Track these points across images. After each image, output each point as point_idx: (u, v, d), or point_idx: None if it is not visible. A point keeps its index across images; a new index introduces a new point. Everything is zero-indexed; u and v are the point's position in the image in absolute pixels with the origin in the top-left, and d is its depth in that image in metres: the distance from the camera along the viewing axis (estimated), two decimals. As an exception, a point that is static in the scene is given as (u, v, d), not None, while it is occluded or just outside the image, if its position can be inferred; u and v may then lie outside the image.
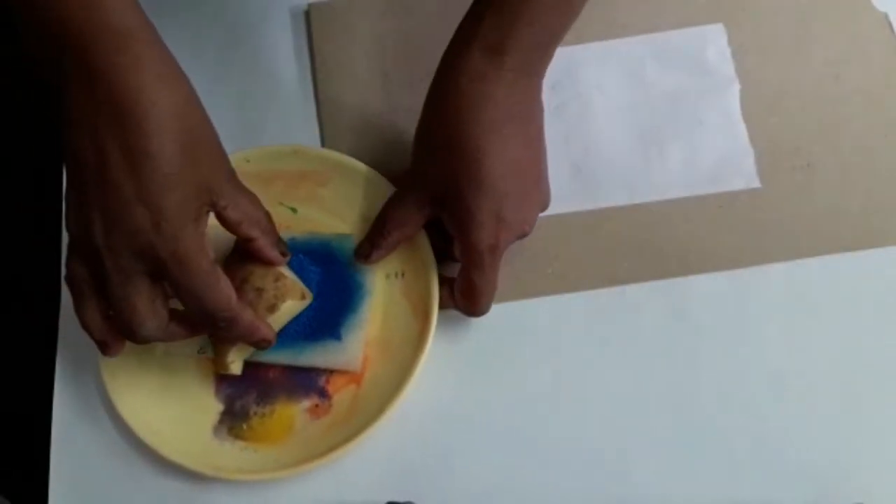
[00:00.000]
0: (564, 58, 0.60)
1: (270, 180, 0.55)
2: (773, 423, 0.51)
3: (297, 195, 0.56)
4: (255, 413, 0.52)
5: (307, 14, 0.63)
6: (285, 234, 0.53)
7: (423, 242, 0.53)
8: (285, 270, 0.50)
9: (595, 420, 0.51)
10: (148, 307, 0.43)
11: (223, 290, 0.44)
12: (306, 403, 0.52)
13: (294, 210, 0.56)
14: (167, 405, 0.52)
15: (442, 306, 0.52)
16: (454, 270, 0.52)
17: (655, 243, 0.55)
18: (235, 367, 0.50)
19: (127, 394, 0.51)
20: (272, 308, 0.49)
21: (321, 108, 0.60)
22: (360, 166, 0.56)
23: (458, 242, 0.50)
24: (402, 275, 0.54)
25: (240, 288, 0.48)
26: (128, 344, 0.48)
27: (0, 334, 0.70)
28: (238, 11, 0.64)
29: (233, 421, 0.52)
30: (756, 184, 0.56)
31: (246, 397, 0.52)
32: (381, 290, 0.54)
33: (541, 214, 0.54)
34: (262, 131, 0.59)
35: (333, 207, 0.56)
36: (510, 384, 0.52)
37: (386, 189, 0.55)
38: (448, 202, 0.50)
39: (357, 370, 0.52)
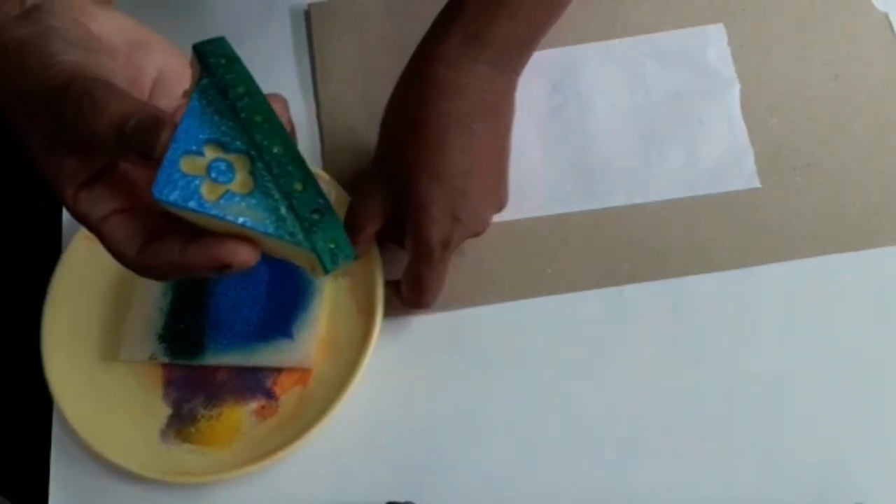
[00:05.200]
0: (564, 58, 0.60)
1: None
2: (774, 422, 0.51)
3: None
4: (203, 416, 0.52)
5: (307, 14, 0.63)
6: None
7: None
8: None
9: (595, 420, 0.51)
10: None
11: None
12: (253, 405, 0.52)
13: None
14: (114, 411, 0.52)
15: (388, 305, 0.52)
16: (398, 273, 0.52)
17: (655, 243, 0.55)
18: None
19: (74, 401, 0.51)
20: None
21: (321, 108, 0.60)
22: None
23: (410, 235, 0.50)
24: (349, 274, 0.54)
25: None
26: (72, 353, 0.51)
27: (0, 334, 0.70)
28: (238, 11, 0.64)
29: (181, 424, 0.52)
30: (756, 184, 0.56)
31: (194, 401, 0.52)
32: (329, 289, 0.54)
33: (541, 214, 0.55)
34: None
35: None
36: (510, 384, 0.52)
37: (331, 191, 0.54)
38: (406, 192, 0.49)
39: (310, 367, 0.52)
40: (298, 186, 0.34)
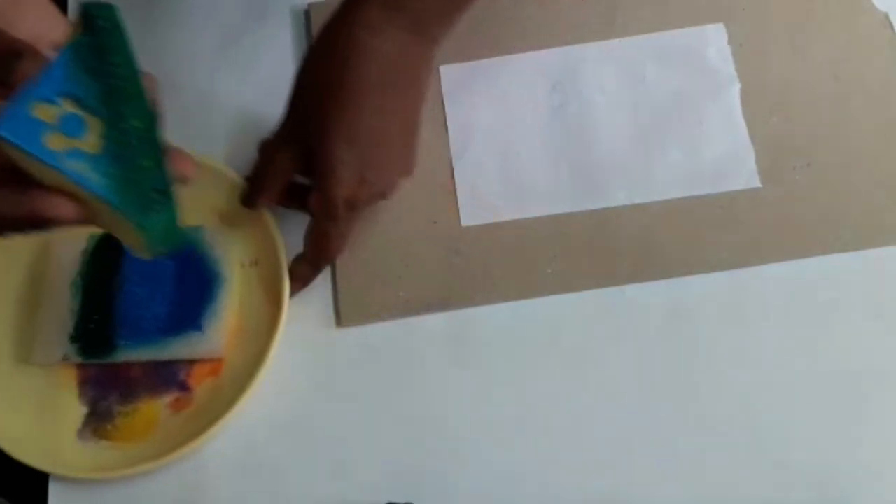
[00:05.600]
0: (564, 57, 0.60)
1: None
2: (773, 423, 0.51)
3: None
4: (119, 412, 0.52)
5: (307, 14, 0.63)
6: None
7: (275, 230, 0.54)
8: None
9: (594, 420, 0.51)
10: None
11: None
12: (168, 398, 0.53)
13: None
14: (30, 413, 0.52)
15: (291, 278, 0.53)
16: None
17: (655, 243, 0.55)
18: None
19: None
20: None
21: (321, 107, 0.60)
22: (206, 161, 0.55)
23: (317, 193, 0.50)
24: (256, 263, 0.54)
25: None
26: None
27: None
28: (238, 11, 0.64)
29: (97, 422, 0.52)
30: (757, 183, 0.56)
31: (109, 398, 0.53)
32: (237, 279, 0.54)
33: (540, 214, 0.54)
34: (261, 130, 0.59)
35: (184, 203, 0.55)
36: (510, 384, 0.52)
37: (232, 180, 0.55)
38: (316, 152, 0.50)
39: (221, 356, 0.53)
40: (147, 163, 0.34)
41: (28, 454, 0.50)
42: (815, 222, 0.55)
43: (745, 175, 0.56)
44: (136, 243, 0.36)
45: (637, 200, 0.56)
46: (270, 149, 0.53)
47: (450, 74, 0.60)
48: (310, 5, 0.63)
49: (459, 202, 0.56)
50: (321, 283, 0.55)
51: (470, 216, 0.56)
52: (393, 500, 0.49)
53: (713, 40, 0.59)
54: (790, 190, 0.56)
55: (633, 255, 0.55)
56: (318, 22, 0.62)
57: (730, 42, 0.59)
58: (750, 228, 0.55)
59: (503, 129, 0.58)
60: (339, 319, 0.54)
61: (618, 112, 0.58)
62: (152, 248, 0.35)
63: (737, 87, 0.58)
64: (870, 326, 0.53)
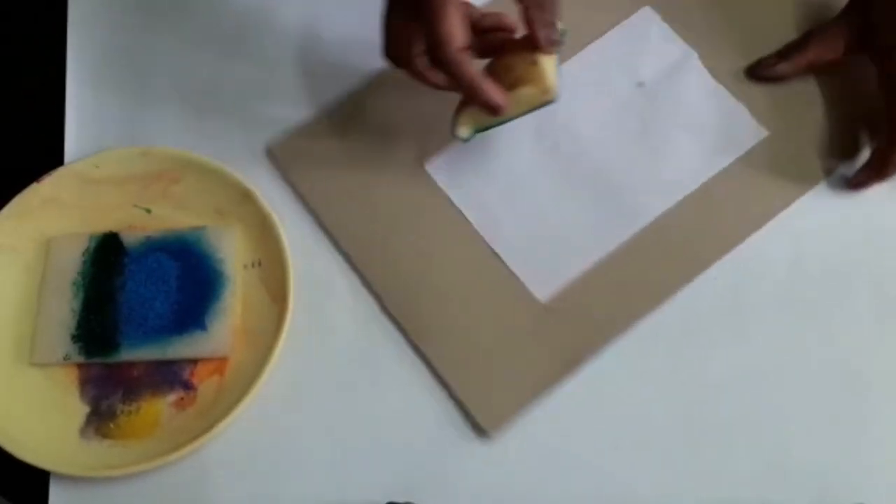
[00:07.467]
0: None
1: (123, 183, 0.57)
2: (774, 422, 0.50)
3: (151, 196, 0.57)
4: (122, 411, 0.52)
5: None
6: (140, 235, 0.55)
7: (278, 230, 0.54)
8: (547, 63, 0.49)
9: (593, 420, 0.51)
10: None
11: (448, 28, 0.46)
12: (172, 397, 0.53)
13: (148, 210, 0.57)
14: (32, 413, 0.52)
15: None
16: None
17: (687, 239, 0.54)
18: (462, 131, 0.52)
19: None
20: (511, 86, 0.50)
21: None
22: (209, 161, 0.56)
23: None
24: (259, 264, 0.55)
25: (492, 63, 0.52)
26: None
27: None
28: (240, 15, 0.63)
29: (100, 421, 0.52)
30: (764, 132, 0.55)
31: (112, 397, 0.53)
32: (240, 280, 0.54)
33: (595, 260, 0.54)
34: (263, 130, 0.59)
35: (187, 203, 0.57)
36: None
37: (235, 180, 0.55)
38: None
39: (226, 355, 0.53)
40: None
41: (30, 453, 0.50)
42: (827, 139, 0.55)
43: (750, 130, 0.55)
44: (481, 126, 0.51)
45: (669, 204, 0.55)
46: (817, 29, 0.55)
47: (437, 167, 0.57)
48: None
49: (524, 282, 0.53)
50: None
51: (541, 290, 0.53)
52: (393, 500, 0.49)
53: (649, 24, 0.59)
54: (799, 124, 0.55)
55: (673, 263, 0.54)
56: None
57: (664, 19, 0.59)
58: (767, 177, 0.55)
59: (517, 193, 0.56)
60: (484, 431, 0.51)
61: (608, 129, 0.57)
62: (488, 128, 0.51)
63: (694, 56, 0.58)
64: (870, 326, 0.52)
